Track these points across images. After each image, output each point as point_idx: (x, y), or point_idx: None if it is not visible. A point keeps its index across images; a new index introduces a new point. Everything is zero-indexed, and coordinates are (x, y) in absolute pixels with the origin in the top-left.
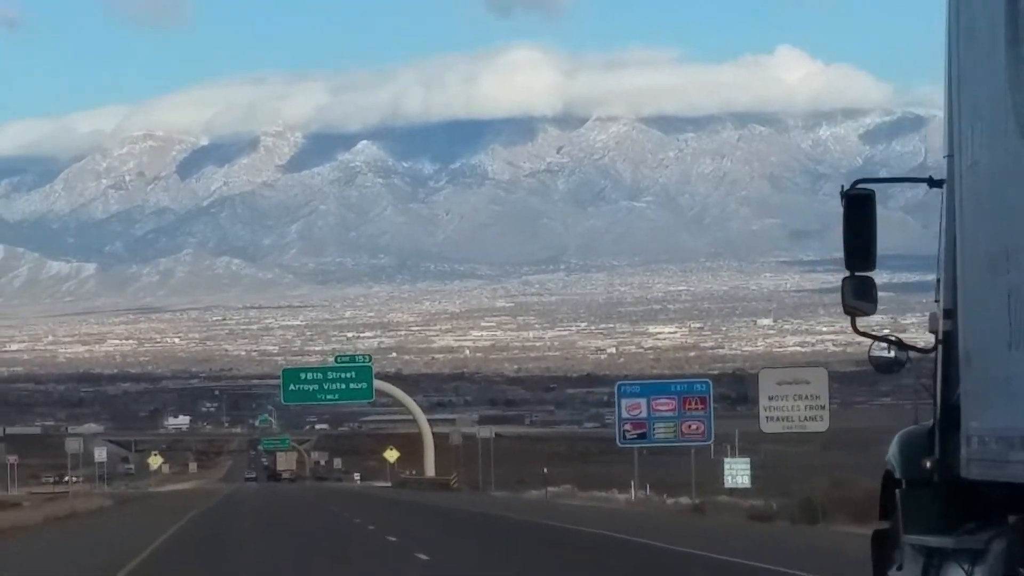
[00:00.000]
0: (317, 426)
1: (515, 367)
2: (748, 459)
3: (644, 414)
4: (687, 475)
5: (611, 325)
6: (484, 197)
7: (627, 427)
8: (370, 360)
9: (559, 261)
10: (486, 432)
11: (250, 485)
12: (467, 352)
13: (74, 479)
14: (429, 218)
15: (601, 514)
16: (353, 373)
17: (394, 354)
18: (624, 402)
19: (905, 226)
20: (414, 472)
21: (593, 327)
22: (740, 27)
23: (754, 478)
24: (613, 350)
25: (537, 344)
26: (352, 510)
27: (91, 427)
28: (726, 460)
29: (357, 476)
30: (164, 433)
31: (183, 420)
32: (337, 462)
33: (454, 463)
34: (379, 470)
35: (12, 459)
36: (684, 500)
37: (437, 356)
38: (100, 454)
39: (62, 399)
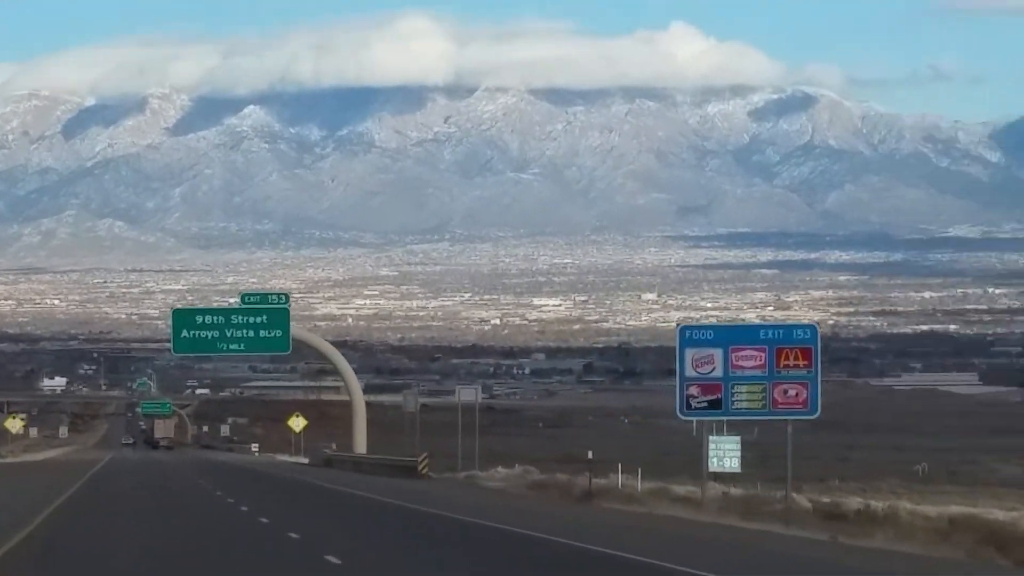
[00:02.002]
0: (198, 391)
1: (398, 336)
2: (738, 437)
3: (719, 372)
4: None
5: (495, 296)
6: (370, 165)
7: (693, 391)
8: (287, 302)
9: (444, 231)
10: (468, 395)
11: (127, 454)
12: (350, 320)
13: None
14: (315, 185)
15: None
16: (264, 317)
17: None
18: (690, 354)
19: (790, 203)
20: (335, 447)
21: (477, 298)
22: (636, 2)
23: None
24: (497, 321)
25: (421, 314)
26: (294, 517)
27: None
28: (712, 438)
29: (255, 447)
30: (39, 395)
31: (59, 382)
32: (224, 429)
33: (410, 440)
34: (274, 441)
35: None
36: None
37: (320, 324)
38: None
39: None
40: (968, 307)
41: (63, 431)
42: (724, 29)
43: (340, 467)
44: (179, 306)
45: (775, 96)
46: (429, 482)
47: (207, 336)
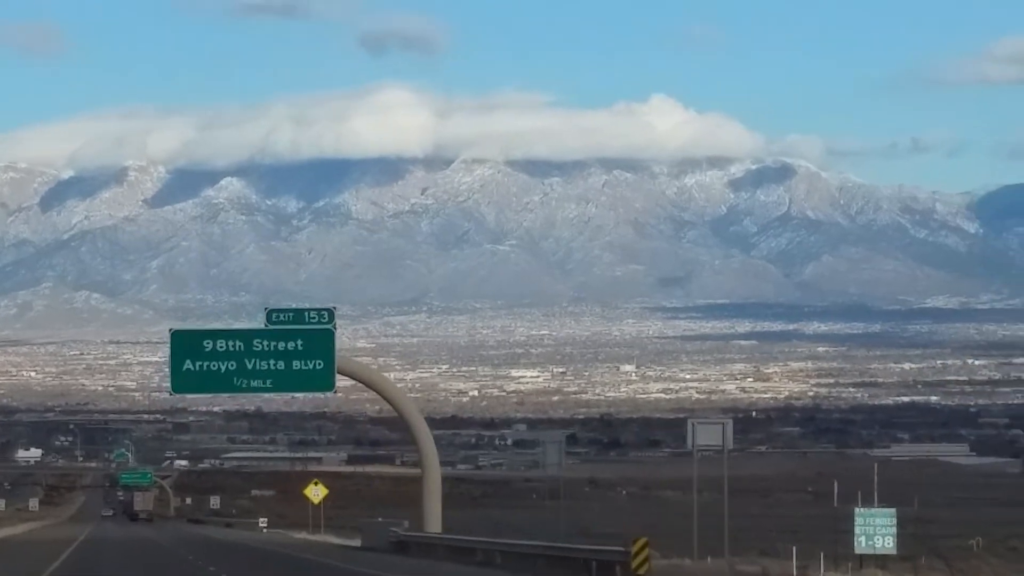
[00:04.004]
0: (176, 462)
1: (377, 408)
2: (892, 510)
3: None
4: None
5: (473, 368)
6: (347, 237)
7: None
8: (331, 320)
9: (421, 303)
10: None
11: (107, 529)
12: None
13: None
14: (292, 257)
15: None
16: (299, 343)
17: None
18: None
19: (768, 275)
20: (407, 525)
21: (455, 370)
22: (616, 75)
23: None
24: (476, 393)
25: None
26: None
27: None
28: (859, 511)
29: (263, 522)
30: (13, 466)
31: (35, 453)
32: (214, 501)
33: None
34: (273, 512)
35: None
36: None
37: (298, 395)
38: None
39: None
40: (948, 378)
41: (33, 503)
42: (704, 101)
43: (425, 554)
44: (157, 377)
45: (753, 167)
46: None
47: (219, 369)
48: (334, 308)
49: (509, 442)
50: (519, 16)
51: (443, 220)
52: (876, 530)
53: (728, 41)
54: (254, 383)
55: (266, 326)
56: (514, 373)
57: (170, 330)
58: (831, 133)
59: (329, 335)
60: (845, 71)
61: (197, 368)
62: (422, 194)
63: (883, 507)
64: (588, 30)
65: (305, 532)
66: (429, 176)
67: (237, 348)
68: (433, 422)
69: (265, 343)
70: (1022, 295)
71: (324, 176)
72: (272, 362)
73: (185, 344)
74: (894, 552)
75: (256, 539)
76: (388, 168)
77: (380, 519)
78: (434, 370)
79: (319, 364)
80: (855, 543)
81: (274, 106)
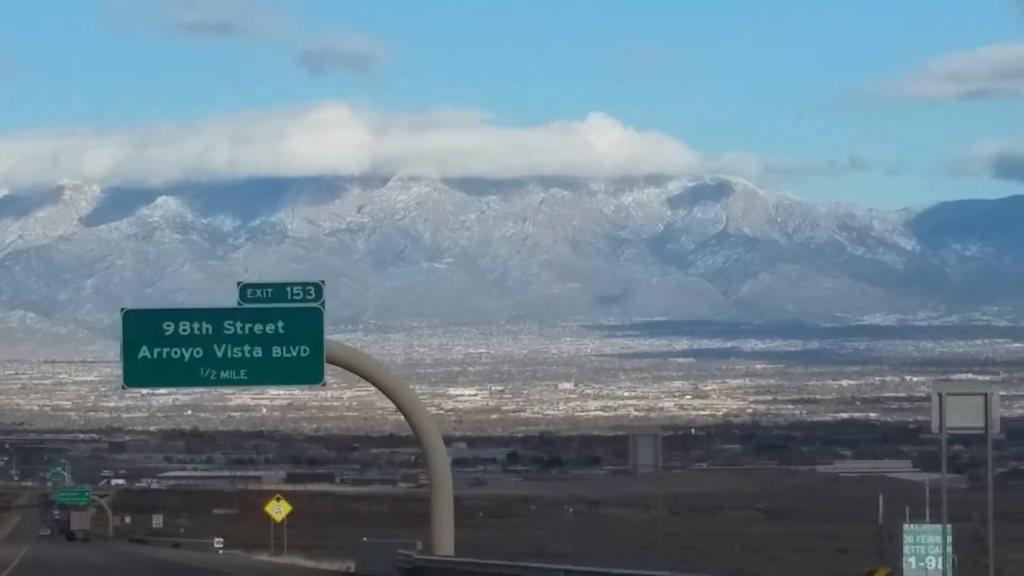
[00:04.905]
0: (113, 481)
1: (314, 427)
2: (947, 526)
3: None
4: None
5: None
6: (283, 255)
7: None
8: (319, 296)
9: (358, 321)
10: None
11: (46, 548)
12: (264, 411)
13: None
14: (227, 275)
15: None
16: (280, 325)
17: (190, 412)
18: None
19: (705, 292)
20: (420, 547)
21: None
22: (554, 93)
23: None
24: None
25: (336, 404)
26: None
27: None
28: (908, 528)
29: (219, 542)
30: None
31: None
32: (157, 520)
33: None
34: (204, 532)
35: None
36: None
37: (234, 414)
38: None
39: None
40: (887, 395)
41: None
42: (643, 119)
43: None
44: (92, 398)
45: (691, 184)
46: None
47: (182, 357)
48: (322, 282)
49: (449, 460)
50: (457, 34)
51: (379, 238)
52: (928, 550)
53: (667, 60)
54: (225, 374)
55: (239, 304)
56: (452, 391)
57: (122, 310)
58: (769, 151)
59: (317, 316)
60: (783, 89)
61: (155, 356)
62: (358, 212)
63: (934, 523)
64: (526, 48)
65: (266, 553)
66: (366, 194)
67: (204, 332)
68: (371, 440)
69: (239, 326)
70: (959, 312)
71: (260, 194)
72: (247, 349)
73: (141, 328)
74: (949, 575)
75: (215, 562)
76: (325, 186)
77: (383, 540)
78: (371, 388)
79: (304, 351)
80: (904, 565)
81: (211, 124)
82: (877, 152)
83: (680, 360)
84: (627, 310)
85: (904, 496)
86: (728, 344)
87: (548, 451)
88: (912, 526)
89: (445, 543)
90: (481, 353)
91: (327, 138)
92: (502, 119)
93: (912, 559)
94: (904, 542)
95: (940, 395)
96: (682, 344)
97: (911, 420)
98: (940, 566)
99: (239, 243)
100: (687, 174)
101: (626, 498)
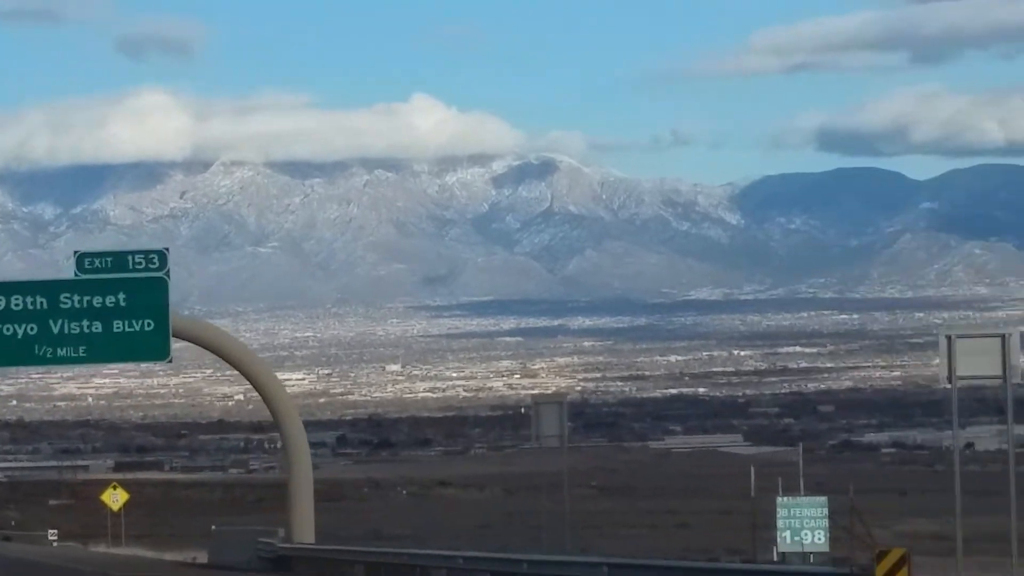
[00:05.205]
0: None
1: (140, 414)
2: (824, 499)
3: None
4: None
5: (237, 372)
6: (105, 243)
7: None
8: (164, 265)
9: (183, 307)
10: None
11: None
12: (90, 400)
13: None
14: (49, 264)
15: None
16: (122, 296)
17: (15, 402)
18: None
19: (531, 271)
20: (282, 534)
21: (219, 374)
22: (377, 74)
23: None
24: (241, 397)
25: (162, 391)
26: None
27: None
28: (782, 501)
29: (53, 534)
30: None
31: None
32: None
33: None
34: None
35: None
36: None
37: (59, 404)
38: None
39: None
40: (715, 369)
41: None
42: (467, 99)
43: (319, 573)
44: None
45: (515, 163)
46: None
47: (15, 334)
48: (166, 249)
49: (279, 445)
50: (277, 17)
51: (203, 224)
52: (804, 523)
53: (489, 39)
54: (62, 352)
55: (76, 275)
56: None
57: None
58: (593, 128)
59: (161, 285)
60: (606, 66)
61: None
62: (181, 198)
63: (808, 496)
64: (348, 29)
65: (103, 544)
66: (188, 180)
67: (38, 306)
68: (199, 427)
69: (76, 299)
70: (784, 285)
71: (82, 182)
72: (86, 324)
73: None
74: (826, 549)
75: (53, 555)
76: (146, 172)
77: (238, 528)
78: (198, 375)
79: (148, 324)
80: (779, 539)
81: (30, 112)
82: (701, 127)
83: (508, 339)
84: (453, 290)
85: (740, 468)
86: (555, 322)
87: (377, 433)
88: (786, 499)
89: (306, 530)
90: (308, 337)
91: (148, 124)
92: (325, 102)
93: (787, 533)
94: (778, 516)
95: (949, 338)
96: (509, 323)
97: (740, 394)
98: (816, 540)
99: (60, 231)
100: (511, 153)
101: (458, 478)
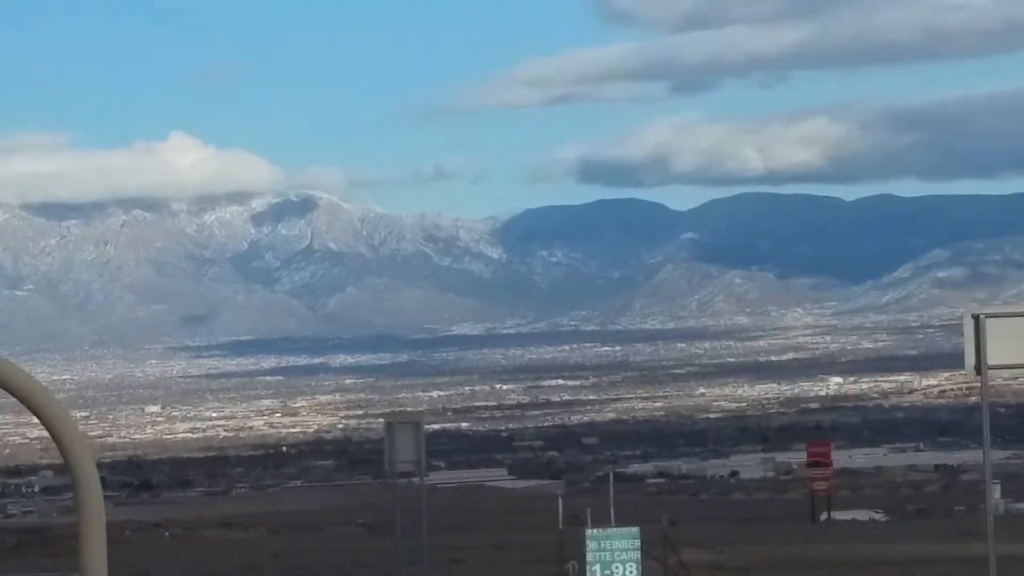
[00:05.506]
0: None
1: None
2: (635, 529)
3: None
4: None
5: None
6: None
7: None
8: None
9: None
10: None
11: None
12: None
13: None
14: None
15: None
16: None
17: None
18: None
19: (292, 309)
20: None
21: None
22: (134, 113)
23: None
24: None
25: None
26: None
27: None
28: (591, 534)
29: None
30: None
31: None
32: None
33: None
34: None
35: None
36: None
37: None
38: None
39: None
40: (478, 404)
41: None
42: (224, 137)
43: None
44: None
45: (275, 201)
46: None
47: None
48: None
49: (36, 489)
50: (33, 56)
51: None
52: (615, 556)
53: (245, 75)
54: None
55: None
56: (36, 420)
57: None
58: (353, 164)
59: None
60: (364, 101)
61: None
62: None
63: (625, 528)
64: (106, 68)
65: None
66: None
67: None
68: None
69: None
70: (547, 318)
71: None
72: None
73: None
74: None
75: None
76: None
77: None
78: None
79: None
80: (588, 572)
81: None
82: (462, 161)
83: (268, 378)
84: (213, 330)
85: (507, 503)
86: (316, 360)
87: (137, 475)
88: (595, 531)
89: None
90: (65, 379)
91: None
92: (83, 141)
93: (597, 567)
94: (588, 548)
95: (977, 318)
96: (270, 362)
97: (503, 428)
98: (628, 573)
99: None
100: (270, 191)
101: (222, 518)
